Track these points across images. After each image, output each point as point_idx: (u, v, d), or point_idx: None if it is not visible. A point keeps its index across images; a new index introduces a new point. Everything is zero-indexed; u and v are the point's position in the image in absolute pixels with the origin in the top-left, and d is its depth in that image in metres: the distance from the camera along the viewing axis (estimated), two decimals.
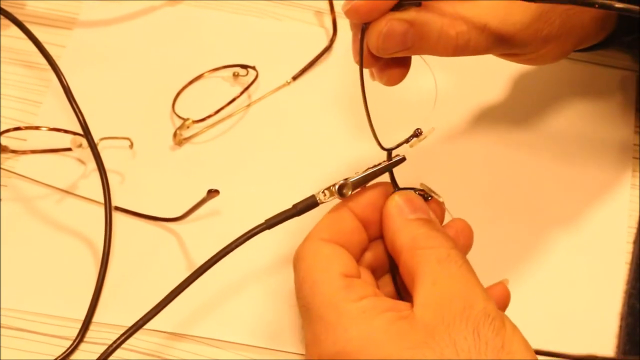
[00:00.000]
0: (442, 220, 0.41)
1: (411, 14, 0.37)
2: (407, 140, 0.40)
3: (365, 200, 0.39)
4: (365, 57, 0.38)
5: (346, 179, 0.39)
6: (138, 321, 0.41)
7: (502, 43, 0.40)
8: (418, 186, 0.41)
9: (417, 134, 0.40)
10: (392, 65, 0.39)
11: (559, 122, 0.55)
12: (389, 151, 0.40)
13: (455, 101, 0.56)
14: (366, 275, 0.39)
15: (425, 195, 0.41)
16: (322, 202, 0.39)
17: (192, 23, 0.59)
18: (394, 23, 0.37)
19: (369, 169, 0.40)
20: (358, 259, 0.39)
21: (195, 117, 0.54)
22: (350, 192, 0.39)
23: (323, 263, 0.37)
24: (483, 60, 0.57)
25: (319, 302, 0.36)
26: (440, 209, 0.41)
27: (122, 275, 0.49)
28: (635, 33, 0.47)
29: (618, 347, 0.47)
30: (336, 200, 0.39)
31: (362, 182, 0.39)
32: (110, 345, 0.41)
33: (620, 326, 0.48)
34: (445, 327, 0.34)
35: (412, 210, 0.38)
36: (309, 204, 0.39)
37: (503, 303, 0.41)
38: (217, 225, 0.51)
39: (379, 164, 0.40)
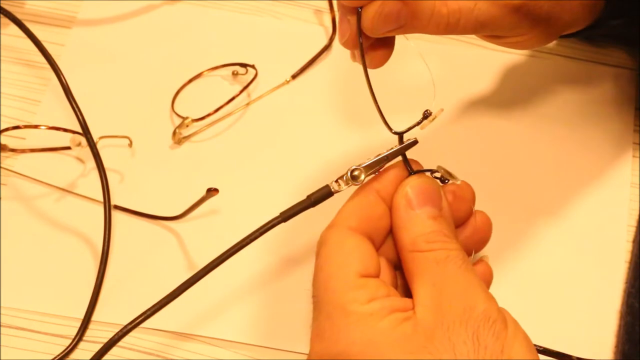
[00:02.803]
0: (472, 201, 0.41)
1: None
2: (418, 123, 0.39)
3: (391, 183, 0.39)
4: (352, 37, 0.38)
5: (359, 165, 0.39)
6: (145, 311, 0.40)
7: (490, 24, 0.41)
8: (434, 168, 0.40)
9: (426, 115, 0.39)
10: (376, 47, 0.39)
11: (558, 121, 0.55)
12: (400, 135, 0.39)
13: (457, 99, 0.56)
14: (385, 269, 0.38)
15: (442, 178, 0.40)
16: (337, 192, 0.39)
17: (191, 22, 0.59)
18: (389, 3, 0.37)
19: (380, 153, 0.39)
20: (383, 242, 0.39)
21: (195, 116, 0.54)
22: (363, 176, 0.38)
23: (342, 258, 0.36)
24: (484, 58, 0.58)
25: (328, 298, 0.36)
26: (469, 191, 0.40)
27: (121, 274, 0.49)
28: (622, 17, 0.47)
29: (617, 346, 0.47)
30: (350, 189, 0.39)
31: (374, 167, 0.39)
32: (121, 330, 0.40)
33: (619, 325, 0.48)
34: (444, 330, 0.33)
35: (421, 203, 0.38)
36: (323, 194, 0.38)
37: (486, 281, 0.40)
38: (217, 224, 0.51)
39: (392, 148, 0.39)
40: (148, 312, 0.40)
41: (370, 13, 0.37)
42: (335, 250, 0.37)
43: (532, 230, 0.51)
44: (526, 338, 0.35)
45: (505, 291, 0.49)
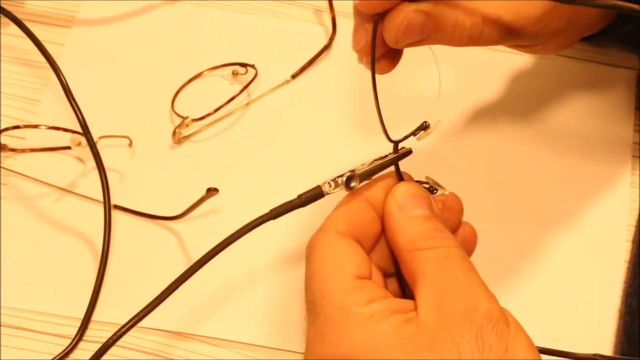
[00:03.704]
0: (461, 212, 0.41)
1: (427, 5, 0.38)
2: (414, 133, 0.39)
3: (381, 191, 0.39)
4: (367, 45, 0.38)
5: (353, 171, 0.38)
6: (139, 312, 0.40)
7: (513, 35, 0.41)
8: (423, 179, 0.40)
9: (424, 126, 0.39)
10: (388, 55, 0.39)
11: (559, 121, 0.55)
12: (396, 143, 0.39)
13: (457, 98, 0.56)
14: (376, 275, 0.39)
15: (431, 188, 0.40)
16: (328, 193, 0.38)
17: (191, 21, 0.59)
18: (413, 15, 0.37)
19: (375, 160, 0.39)
20: (372, 250, 0.39)
21: (195, 116, 0.54)
22: (357, 185, 0.38)
23: (336, 261, 0.36)
24: (485, 57, 0.58)
25: (326, 302, 0.35)
26: (457, 202, 0.41)
27: (121, 273, 0.49)
28: (635, 23, 0.47)
29: (616, 346, 0.47)
30: (341, 192, 0.38)
31: (368, 174, 0.39)
32: (115, 333, 0.39)
33: (619, 325, 0.48)
34: (448, 330, 0.33)
35: (413, 206, 0.38)
36: (314, 195, 0.38)
37: None
38: (217, 224, 0.51)
39: (386, 155, 0.39)
40: (134, 319, 0.39)
41: (394, 25, 0.37)
42: (327, 253, 0.37)
43: (531, 230, 0.51)
44: (528, 337, 0.35)
45: (506, 291, 0.49)
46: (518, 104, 0.56)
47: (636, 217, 0.52)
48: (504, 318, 0.35)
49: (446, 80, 0.56)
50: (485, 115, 0.56)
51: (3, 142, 0.53)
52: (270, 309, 0.48)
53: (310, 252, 0.38)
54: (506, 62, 0.58)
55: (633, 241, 0.51)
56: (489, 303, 0.35)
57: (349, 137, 0.54)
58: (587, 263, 0.50)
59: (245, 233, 0.38)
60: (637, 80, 0.57)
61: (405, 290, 0.40)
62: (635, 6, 0.34)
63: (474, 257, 0.41)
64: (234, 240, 0.38)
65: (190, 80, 0.56)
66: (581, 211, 0.52)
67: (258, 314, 0.48)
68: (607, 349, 0.47)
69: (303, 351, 0.46)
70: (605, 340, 0.47)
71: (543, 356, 0.43)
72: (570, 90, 0.57)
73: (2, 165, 0.52)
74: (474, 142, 0.54)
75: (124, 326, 0.39)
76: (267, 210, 0.39)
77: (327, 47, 0.58)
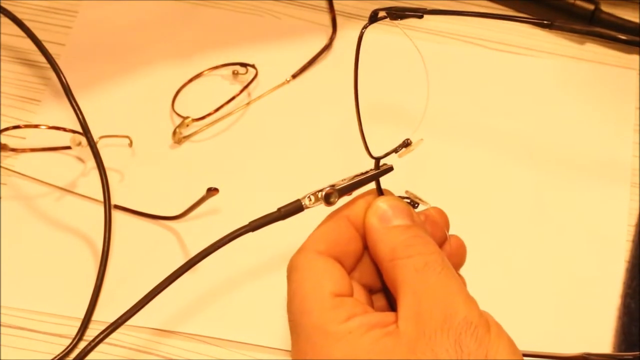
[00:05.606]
0: (446, 225, 0.41)
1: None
2: (395, 150, 0.39)
3: (361, 208, 0.39)
4: None
5: (333, 186, 0.38)
6: (116, 320, 0.40)
7: None
8: (403, 194, 0.40)
9: (406, 144, 0.39)
10: None
11: (558, 120, 0.55)
12: (377, 160, 0.40)
13: (451, 99, 0.56)
14: (358, 292, 0.39)
15: (412, 202, 0.40)
16: (308, 207, 0.38)
17: (192, 21, 0.59)
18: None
19: (356, 176, 0.39)
20: (354, 267, 0.39)
21: (195, 116, 0.54)
22: (337, 200, 0.38)
23: (314, 280, 0.36)
24: (483, 57, 0.58)
25: (306, 321, 0.35)
26: (441, 215, 0.41)
27: (121, 273, 0.49)
28: None
29: (614, 346, 0.47)
30: (322, 205, 0.39)
31: (348, 189, 0.39)
32: (90, 343, 0.40)
33: (617, 325, 0.48)
34: (426, 340, 0.33)
35: (393, 217, 0.38)
36: (293, 208, 0.38)
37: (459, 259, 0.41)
38: (217, 224, 0.51)
39: (367, 172, 0.39)
40: (110, 328, 0.40)
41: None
42: (306, 273, 0.37)
43: (532, 230, 0.51)
44: (510, 340, 0.34)
45: (505, 291, 0.49)
46: (516, 104, 0.56)
47: (636, 217, 0.52)
48: (484, 323, 0.34)
49: (446, 79, 0.56)
50: (480, 116, 0.56)
51: (3, 141, 0.53)
52: (267, 307, 0.48)
53: (290, 273, 0.38)
54: (504, 62, 0.58)
55: (633, 241, 0.51)
56: (467, 309, 0.34)
57: (350, 137, 0.54)
58: (587, 263, 0.50)
59: (222, 245, 0.38)
60: (637, 80, 0.57)
61: (392, 304, 0.40)
62: (613, 33, 0.33)
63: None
64: (211, 252, 0.38)
65: (190, 80, 0.56)
66: (581, 211, 0.52)
67: (256, 313, 0.48)
68: (606, 350, 0.47)
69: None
70: (603, 340, 0.47)
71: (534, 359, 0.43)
72: (570, 90, 0.57)
73: (2, 165, 0.52)
74: (471, 144, 0.55)
75: (101, 333, 0.40)
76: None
77: (327, 47, 0.58)
